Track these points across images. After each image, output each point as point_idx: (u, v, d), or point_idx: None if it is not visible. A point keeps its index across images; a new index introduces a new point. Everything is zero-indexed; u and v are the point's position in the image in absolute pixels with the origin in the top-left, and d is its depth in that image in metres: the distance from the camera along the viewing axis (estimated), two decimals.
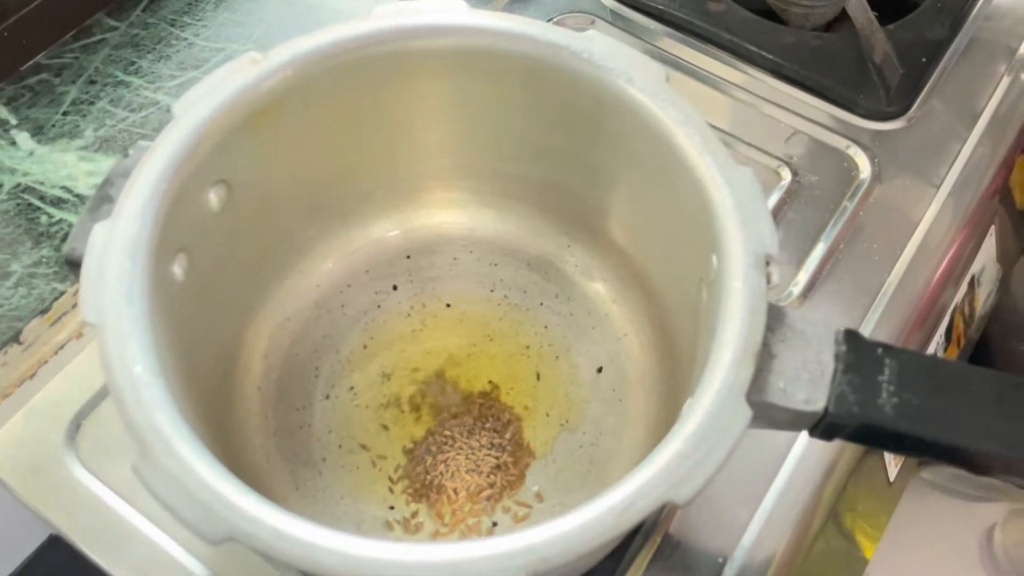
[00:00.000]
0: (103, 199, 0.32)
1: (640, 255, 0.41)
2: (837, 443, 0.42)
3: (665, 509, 0.40)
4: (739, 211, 0.30)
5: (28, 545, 0.41)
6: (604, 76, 0.34)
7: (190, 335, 0.33)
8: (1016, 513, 0.69)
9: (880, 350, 0.29)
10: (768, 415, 0.29)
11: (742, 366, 0.28)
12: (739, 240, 0.30)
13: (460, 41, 0.36)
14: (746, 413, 0.27)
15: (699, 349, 0.32)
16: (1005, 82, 0.57)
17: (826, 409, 0.28)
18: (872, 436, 0.29)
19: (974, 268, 0.54)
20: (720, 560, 0.40)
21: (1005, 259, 0.59)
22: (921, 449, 0.29)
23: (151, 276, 0.29)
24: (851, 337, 0.29)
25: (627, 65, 0.34)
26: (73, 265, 0.31)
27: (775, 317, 0.29)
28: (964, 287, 0.53)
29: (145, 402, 0.27)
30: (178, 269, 0.32)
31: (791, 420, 0.29)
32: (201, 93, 0.33)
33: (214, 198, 0.34)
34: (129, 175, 0.31)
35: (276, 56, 0.34)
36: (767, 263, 0.30)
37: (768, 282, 0.29)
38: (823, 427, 0.29)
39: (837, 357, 0.29)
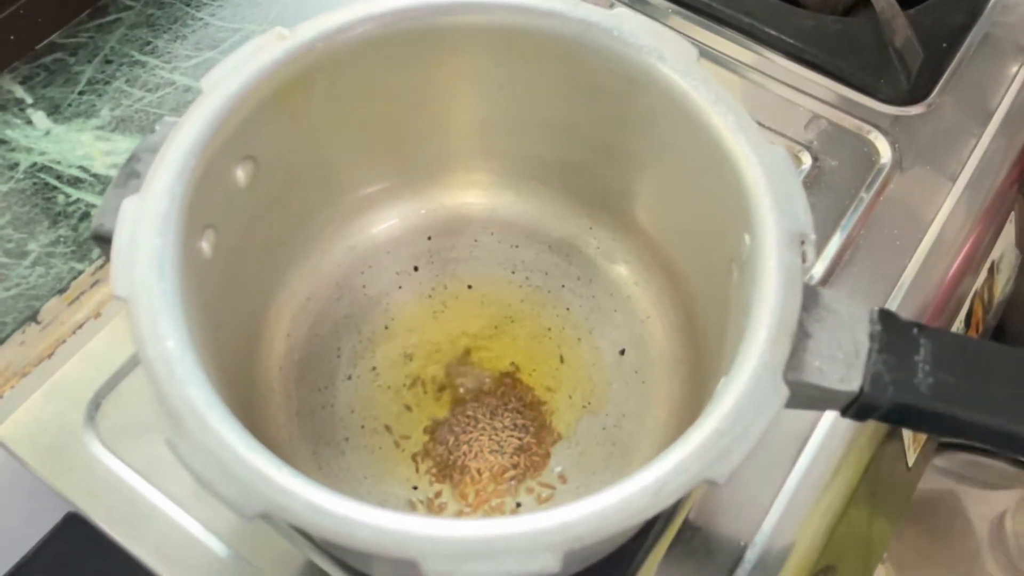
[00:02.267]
0: (130, 174, 0.32)
1: (665, 236, 0.40)
2: (859, 426, 0.43)
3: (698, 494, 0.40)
4: (773, 190, 0.30)
5: (45, 523, 0.41)
6: (634, 54, 0.34)
7: (216, 313, 0.33)
8: None
9: (915, 330, 0.29)
10: (803, 394, 0.28)
11: (778, 344, 0.27)
12: (773, 219, 0.30)
13: (489, 18, 0.35)
14: (783, 391, 0.27)
15: (730, 329, 0.32)
16: None
17: (861, 389, 0.28)
18: (906, 416, 0.29)
19: (994, 254, 0.53)
20: (741, 544, 0.40)
21: None
22: (957, 429, 0.29)
23: (181, 252, 0.29)
24: (886, 317, 0.29)
25: (658, 43, 0.34)
26: (101, 241, 0.31)
27: (809, 296, 0.29)
28: (984, 274, 0.53)
29: (178, 376, 0.26)
30: (206, 245, 0.32)
31: (825, 400, 0.29)
32: (228, 69, 0.32)
33: (241, 174, 0.34)
34: (156, 150, 0.31)
35: (303, 32, 0.34)
36: (801, 242, 0.29)
37: (803, 261, 0.29)
38: (857, 407, 0.29)
39: (872, 336, 0.29)
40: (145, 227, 0.29)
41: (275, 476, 0.25)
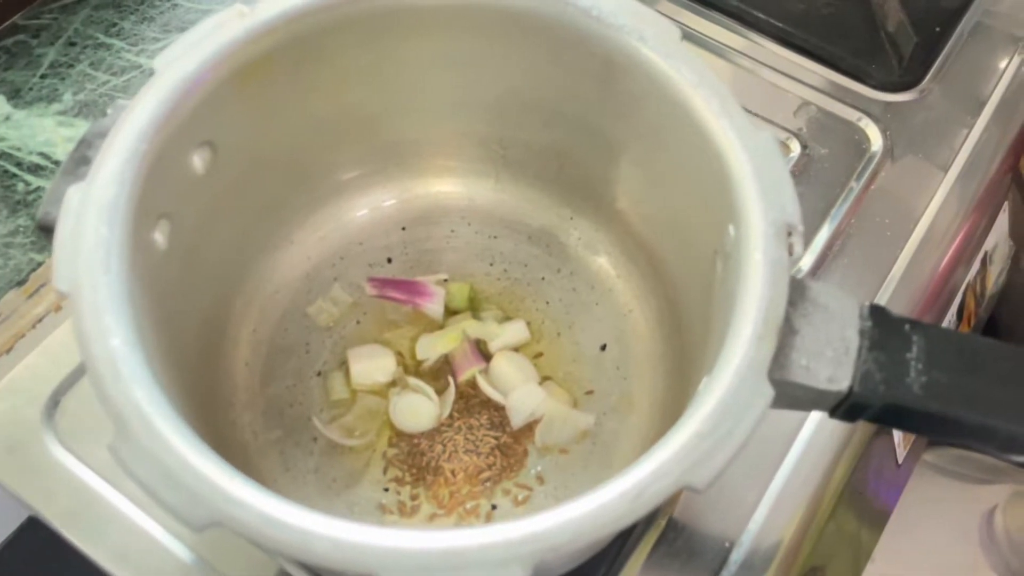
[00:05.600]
0: (80, 160, 0.30)
1: (647, 227, 0.39)
2: (847, 424, 0.41)
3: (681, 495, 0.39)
4: (759, 178, 0.29)
5: (5, 527, 0.40)
6: (614, 34, 0.32)
7: (173, 307, 0.31)
8: (1018, 495, 0.68)
9: (908, 326, 0.27)
10: (789, 394, 0.27)
11: (763, 342, 0.26)
12: (759, 209, 0.28)
13: None
14: (768, 392, 0.25)
15: (714, 325, 0.31)
16: (1019, 57, 0.55)
17: (851, 388, 0.27)
18: (898, 417, 0.28)
19: (987, 245, 0.52)
20: (727, 545, 0.39)
21: (1018, 235, 0.58)
22: (950, 430, 0.27)
23: (130, 243, 0.27)
24: (877, 312, 0.28)
25: (639, 23, 0.32)
26: (48, 231, 0.29)
27: (796, 290, 0.28)
28: (976, 265, 0.51)
29: (123, 377, 0.25)
30: (160, 236, 0.30)
31: (813, 400, 0.27)
32: (184, 48, 0.31)
33: (198, 161, 0.32)
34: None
35: (264, 9, 0.32)
36: (788, 233, 0.28)
37: (790, 253, 0.28)
38: (846, 407, 0.27)
39: (862, 333, 0.27)
40: (90, 216, 0.27)
41: (225, 484, 0.23)
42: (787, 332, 0.27)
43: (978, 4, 0.57)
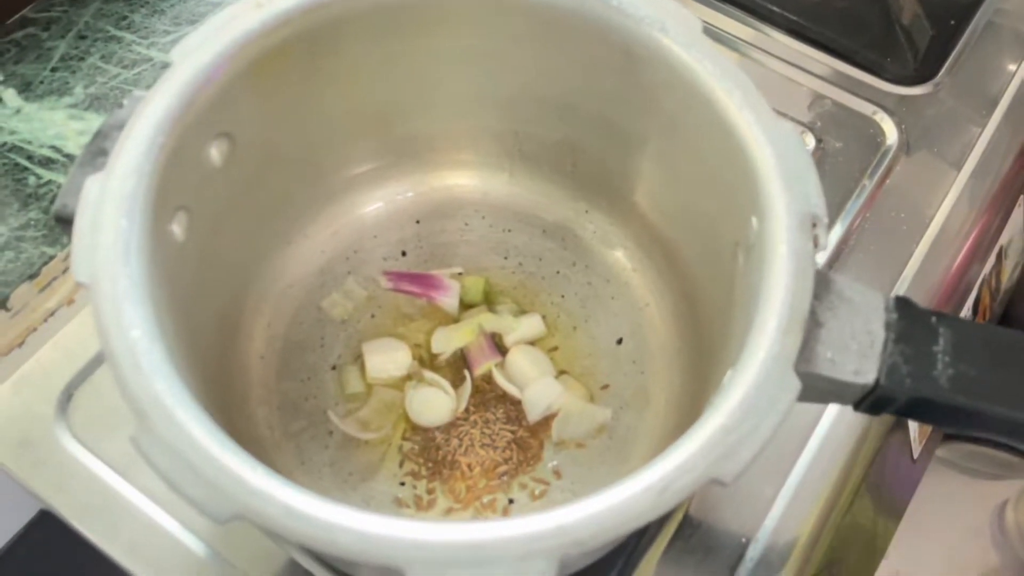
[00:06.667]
0: (97, 152, 0.30)
1: (665, 220, 0.39)
2: (865, 418, 0.41)
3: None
4: (782, 170, 0.28)
5: (18, 520, 0.39)
6: (635, 26, 0.32)
7: (189, 300, 0.31)
8: None
9: (934, 318, 0.27)
10: (814, 387, 0.27)
11: (789, 335, 0.26)
12: (783, 201, 0.28)
13: None
14: (795, 384, 0.25)
15: (735, 318, 0.30)
16: None
17: (877, 381, 0.26)
18: (924, 410, 0.27)
19: (1002, 239, 0.52)
20: (743, 540, 0.39)
21: None
22: (976, 424, 0.27)
23: (149, 235, 0.27)
24: (903, 304, 0.27)
25: (660, 13, 0.32)
26: (64, 222, 0.29)
27: (821, 283, 0.28)
28: (992, 259, 0.51)
29: (144, 369, 0.24)
30: (177, 228, 0.30)
31: (838, 393, 0.27)
32: (200, 39, 0.30)
33: (215, 153, 0.32)
34: (124, 126, 0.29)
35: (280, 1, 0.32)
36: (813, 225, 0.28)
37: (815, 245, 0.27)
38: (871, 400, 0.27)
39: (888, 326, 0.27)
40: (109, 208, 0.27)
41: (249, 477, 0.23)
42: (812, 325, 0.27)
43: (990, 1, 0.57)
